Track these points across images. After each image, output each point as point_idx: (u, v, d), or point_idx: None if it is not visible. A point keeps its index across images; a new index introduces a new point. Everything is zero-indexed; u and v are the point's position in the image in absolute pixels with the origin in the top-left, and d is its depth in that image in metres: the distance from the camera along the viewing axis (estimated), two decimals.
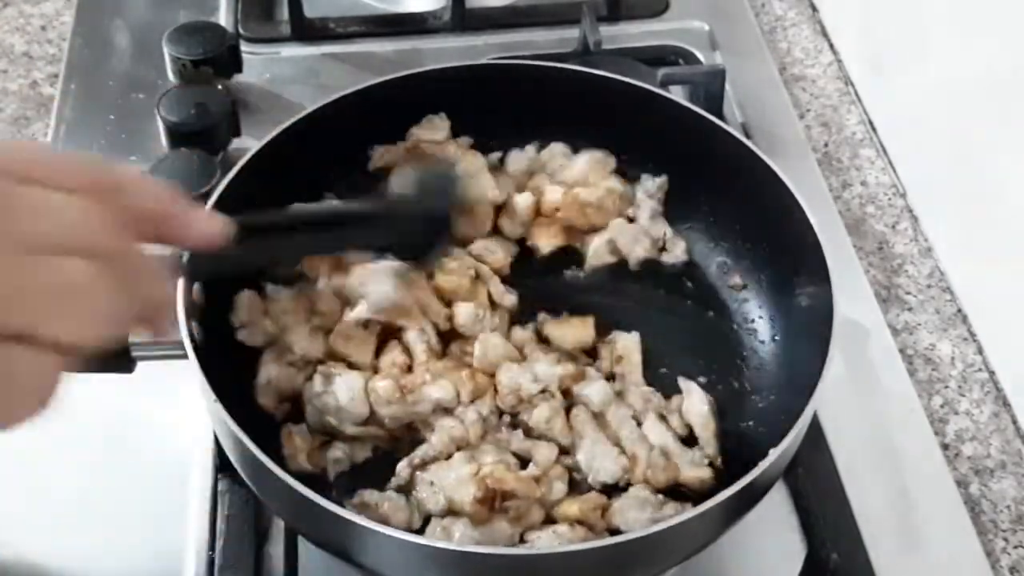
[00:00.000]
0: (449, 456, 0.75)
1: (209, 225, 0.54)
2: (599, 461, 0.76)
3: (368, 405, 0.76)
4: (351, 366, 0.79)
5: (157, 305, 0.51)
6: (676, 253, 0.91)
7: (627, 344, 0.83)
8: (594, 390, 0.79)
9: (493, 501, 0.72)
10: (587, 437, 0.77)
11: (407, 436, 0.77)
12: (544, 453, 0.76)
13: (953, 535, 0.85)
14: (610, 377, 0.82)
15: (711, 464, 0.77)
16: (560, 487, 0.75)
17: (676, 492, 0.76)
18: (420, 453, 0.75)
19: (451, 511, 0.73)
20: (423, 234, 0.75)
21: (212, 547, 0.80)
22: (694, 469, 0.76)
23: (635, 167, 0.94)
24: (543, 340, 0.84)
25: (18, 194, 0.45)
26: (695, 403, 0.80)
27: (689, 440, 0.79)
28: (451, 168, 0.83)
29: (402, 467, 0.74)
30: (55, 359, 0.44)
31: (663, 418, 0.80)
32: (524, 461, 0.76)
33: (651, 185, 0.93)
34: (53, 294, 0.44)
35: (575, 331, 0.84)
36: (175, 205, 0.52)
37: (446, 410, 0.77)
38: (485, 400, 0.78)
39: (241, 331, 0.80)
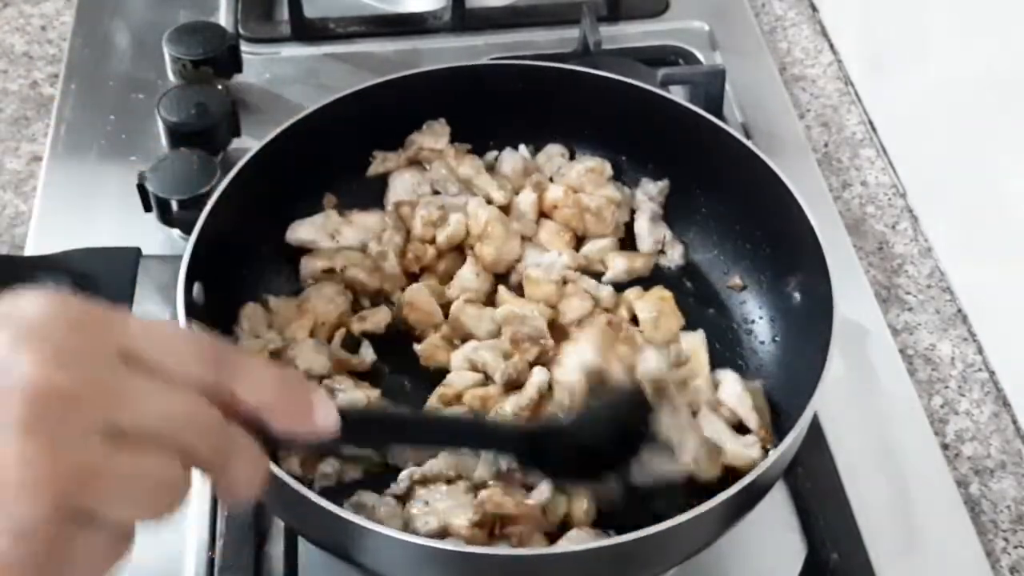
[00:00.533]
0: (450, 481, 0.74)
1: (319, 417, 0.49)
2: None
3: None
4: (357, 384, 0.79)
5: (245, 488, 0.47)
6: (674, 256, 0.91)
7: (693, 343, 0.84)
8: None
9: (492, 527, 0.71)
10: None
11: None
12: None
13: (953, 535, 0.85)
14: None
15: (764, 447, 0.77)
16: (562, 503, 0.75)
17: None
18: (425, 468, 0.74)
19: (445, 535, 0.72)
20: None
21: (212, 547, 0.80)
22: (746, 450, 0.77)
23: (635, 167, 0.95)
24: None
25: (125, 379, 0.43)
26: (729, 386, 0.80)
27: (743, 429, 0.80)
28: (637, 397, 0.70)
29: (403, 477, 0.74)
30: (112, 537, 0.43)
31: (715, 409, 0.80)
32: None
33: (652, 188, 0.93)
34: (131, 486, 0.42)
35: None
36: (286, 395, 0.48)
37: None
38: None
39: (244, 342, 0.80)
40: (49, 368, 0.41)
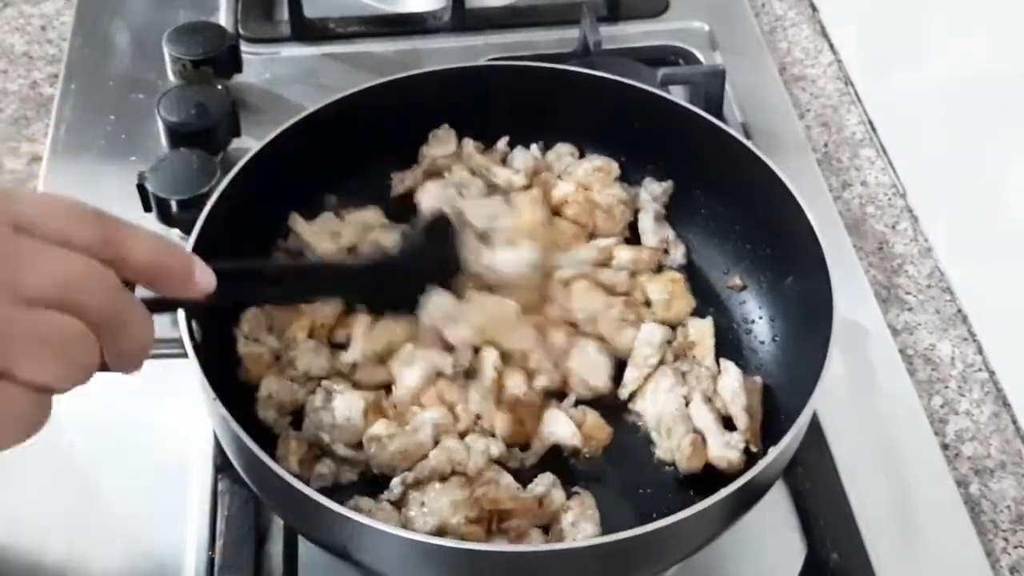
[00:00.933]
0: (444, 478, 0.74)
1: (202, 278, 0.55)
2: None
3: (363, 427, 0.76)
4: (356, 386, 0.79)
5: (136, 352, 0.52)
6: (675, 256, 0.91)
7: (700, 329, 0.85)
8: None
9: (490, 522, 0.71)
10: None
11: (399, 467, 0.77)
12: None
13: (953, 535, 0.85)
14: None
15: (748, 449, 0.78)
16: (559, 496, 0.75)
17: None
18: (415, 472, 0.74)
19: (443, 534, 0.72)
20: (405, 288, 0.77)
21: (212, 547, 0.80)
22: (726, 451, 0.77)
23: (635, 167, 0.95)
24: None
25: (19, 245, 0.47)
26: (729, 379, 0.81)
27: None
28: (444, 222, 0.81)
29: (395, 483, 0.74)
30: (30, 396, 0.47)
31: (709, 400, 0.81)
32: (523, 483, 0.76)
33: (656, 188, 0.93)
34: (36, 343, 0.46)
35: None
36: (172, 258, 0.54)
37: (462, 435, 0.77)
38: (497, 440, 0.77)
39: (244, 345, 0.80)
40: None
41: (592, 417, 0.80)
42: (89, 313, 0.48)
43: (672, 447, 0.79)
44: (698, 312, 0.87)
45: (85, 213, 0.51)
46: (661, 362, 0.83)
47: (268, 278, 0.70)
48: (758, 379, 0.82)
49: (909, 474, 0.88)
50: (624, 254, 0.89)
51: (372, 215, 0.90)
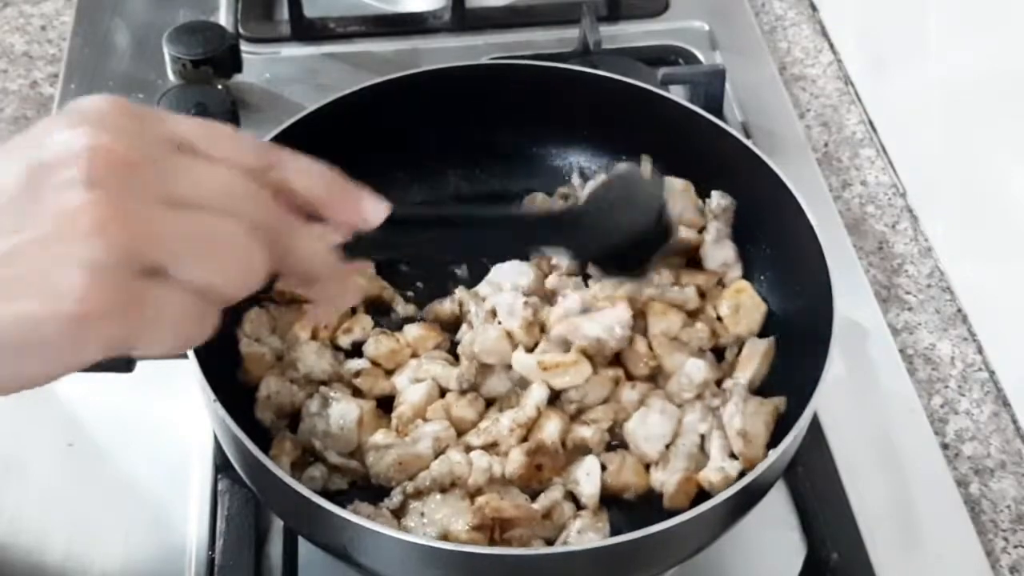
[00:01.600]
0: (444, 490, 0.73)
1: (367, 208, 0.53)
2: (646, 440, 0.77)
3: (357, 436, 0.76)
4: (355, 393, 0.79)
5: (313, 268, 0.51)
6: (732, 275, 0.90)
7: (753, 348, 0.82)
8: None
9: (492, 531, 0.71)
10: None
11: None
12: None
13: (953, 535, 0.85)
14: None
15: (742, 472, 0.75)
16: (568, 509, 0.74)
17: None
18: (416, 482, 0.73)
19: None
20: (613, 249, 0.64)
21: (212, 547, 0.80)
22: (711, 474, 0.75)
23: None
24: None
25: (177, 161, 0.46)
26: (732, 400, 0.77)
27: None
28: (654, 182, 0.69)
29: (396, 492, 0.73)
30: (191, 299, 0.45)
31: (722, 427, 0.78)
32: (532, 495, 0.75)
33: (718, 205, 0.89)
34: (191, 240, 0.45)
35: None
36: (334, 186, 0.52)
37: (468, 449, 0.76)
38: (514, 455, 0.75)
39: (246, 345, 0.80)
40: (109, 139, 0.44)
41: (631, 461, 0.77)
42: (247, 218, 0.46)
43: (661, 479, 0.76)
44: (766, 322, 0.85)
45: (246, 139, 0.50)
46: (698, 396, 0.79)
47: (449, 223, 0.60)
48: (777, 400, 0.78)
49: (909, 474, 0.88)
50: (683, 279, 0.86)
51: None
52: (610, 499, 0.76)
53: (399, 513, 0.73)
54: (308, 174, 0.51)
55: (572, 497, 0.75)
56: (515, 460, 0.74)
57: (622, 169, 0.69)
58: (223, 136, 0.49)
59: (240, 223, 0.46)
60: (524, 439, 0.76)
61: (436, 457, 0.75)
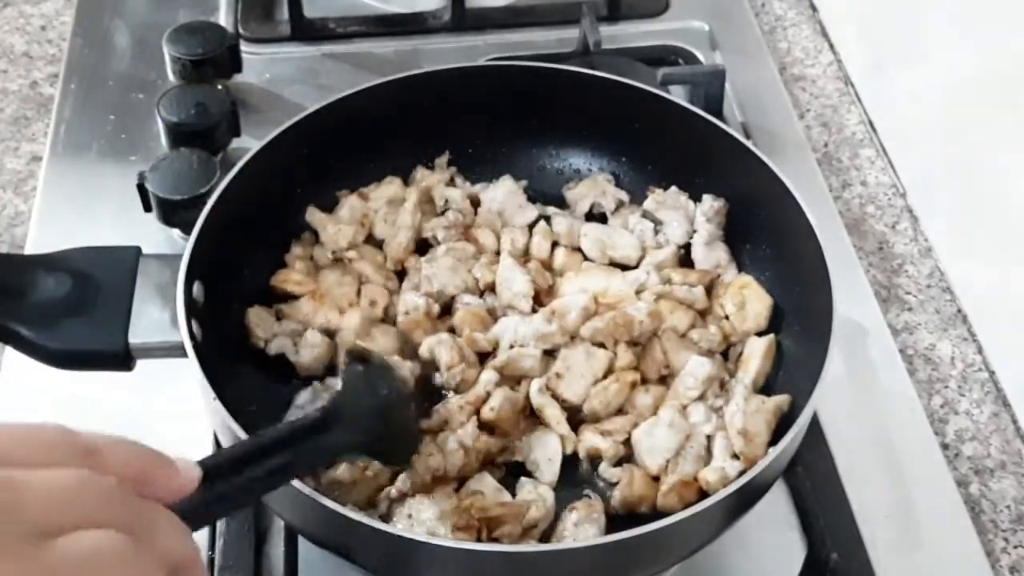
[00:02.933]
0: (428, 489, 0.73)
1: (186, 475, 0.52)
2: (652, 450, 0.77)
3: None
4: None
5: (184, 556, 0.48)
6: (727, 277, 0.90)
7: (755, 346, 0.82)
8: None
9: (479, 532, 0.71)
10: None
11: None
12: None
13: (953, 535, 0.85)
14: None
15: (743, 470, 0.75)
16: (548, 496, 0.75)
17: None
18: (398, 485, 0.73)
19: None
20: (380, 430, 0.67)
21: (212, 547, 0.80)
22: (708, 473, 0.75)
23: (634, 168, 0.95)
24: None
25: (13, 479, 0.43)
26: (735, 400, 0.78)
27: None
28: (377, 360, 0.72)
29: (381, 498, 0.73)
30: None
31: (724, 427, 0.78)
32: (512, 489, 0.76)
33: (709, 208, 0.90)
34: (85, 571, 0.43)
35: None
36: (151, 463, 0.50)
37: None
38: (467, 427, 0.76)
39: (269, 346, 0.81)
40: None
41: (639, 475, 0.76)
42: (109, 518, 0.44)
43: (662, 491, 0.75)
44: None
45: (48, 433, 0.46)
46: (701, 396, 0.79)
47: (245, 459, 0.58)
48: (782, 397, 0.78)
49: (909, 474, 0.88)
50: (676, 277, 0.87)
51: (395, 188, 0.91)
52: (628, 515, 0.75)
53: (387, 519, 0.72)
54: (127, 453, 0.49)
55: (551, 487, 0.76)
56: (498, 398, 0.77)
57: (354, 354, 0.71)
58: (34, 439, 0.46)
59: (109, 527, 0.44)
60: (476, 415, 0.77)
61: None
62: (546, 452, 0.77)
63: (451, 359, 0.79)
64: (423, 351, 0.80)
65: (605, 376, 0.80)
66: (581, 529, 0.73)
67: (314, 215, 0.88)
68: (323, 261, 0.87)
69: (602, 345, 0.81)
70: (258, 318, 0.82)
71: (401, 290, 0.86)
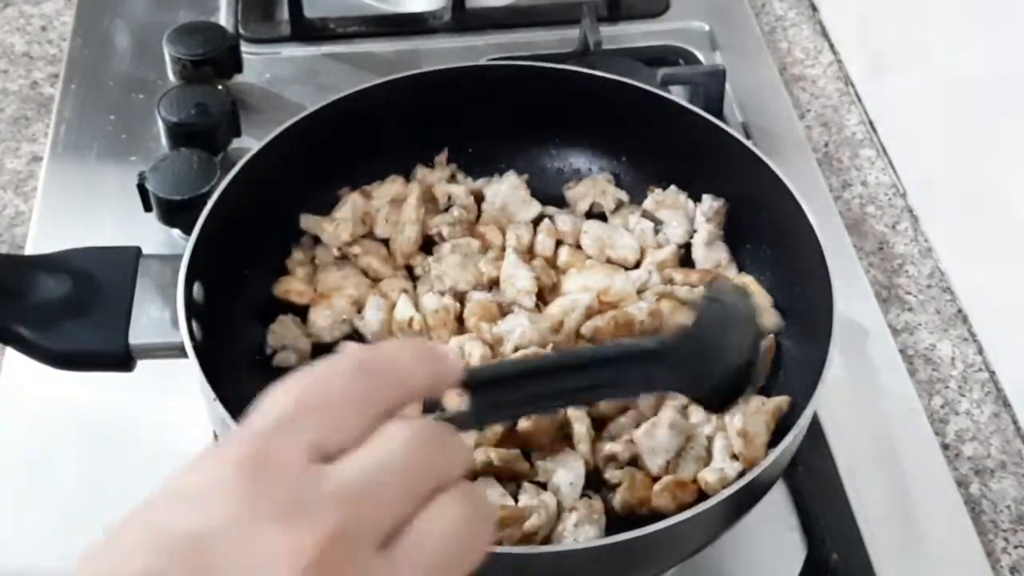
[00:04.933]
0: None
1: (455, 366, 0.47)
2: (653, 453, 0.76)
3: None
4: None
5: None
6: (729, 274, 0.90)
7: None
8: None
9: None
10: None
11: None
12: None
13: (953, 535, 0.85)
14: None
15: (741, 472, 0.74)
16: (551, 502, 0.74)
17: None
18: None
19: None
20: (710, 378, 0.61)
21: None
22: (707, 474, 0.74)
23: (634, 168, 0.95)
24: None
25: (320, 476, 0.40)
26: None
27: None
28: (742, 295, 0.66)
29: None
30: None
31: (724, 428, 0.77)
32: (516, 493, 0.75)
33: (708, 208, 0.90)
34: (438, 544, 0.40)
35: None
36: (436, 359, 0.46)
37: None
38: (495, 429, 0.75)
39: (277, 356, 0.81)
40: (300, 531, 0.39)
41: (641, 477, 0.75)
42: (450, 476, 0.42)
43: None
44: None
45: (352, 391, 0.43)
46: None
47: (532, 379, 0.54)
48: (779, 400, 0.77)
49: (909, 474, 0.88)
50: (677, 277, 0.87)
51: (398, 187, 0.91)
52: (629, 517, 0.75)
53: None
54: (409, 373, 0.45)
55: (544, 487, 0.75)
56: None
57: (717, 290, 0.65)
58: (335, 402, 0.42)
59: (446, 488, 0.41)
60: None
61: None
62: (569, 476, 0.75)
63: (483, 358, 0.79)
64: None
65: None
66: (581, 530, 0.72)
67: (309, 220, 0.88)
68: (326, 261, 0.87)
69: None
70: (282, 327, 0.82)
71: (418, 293, 0.86)
